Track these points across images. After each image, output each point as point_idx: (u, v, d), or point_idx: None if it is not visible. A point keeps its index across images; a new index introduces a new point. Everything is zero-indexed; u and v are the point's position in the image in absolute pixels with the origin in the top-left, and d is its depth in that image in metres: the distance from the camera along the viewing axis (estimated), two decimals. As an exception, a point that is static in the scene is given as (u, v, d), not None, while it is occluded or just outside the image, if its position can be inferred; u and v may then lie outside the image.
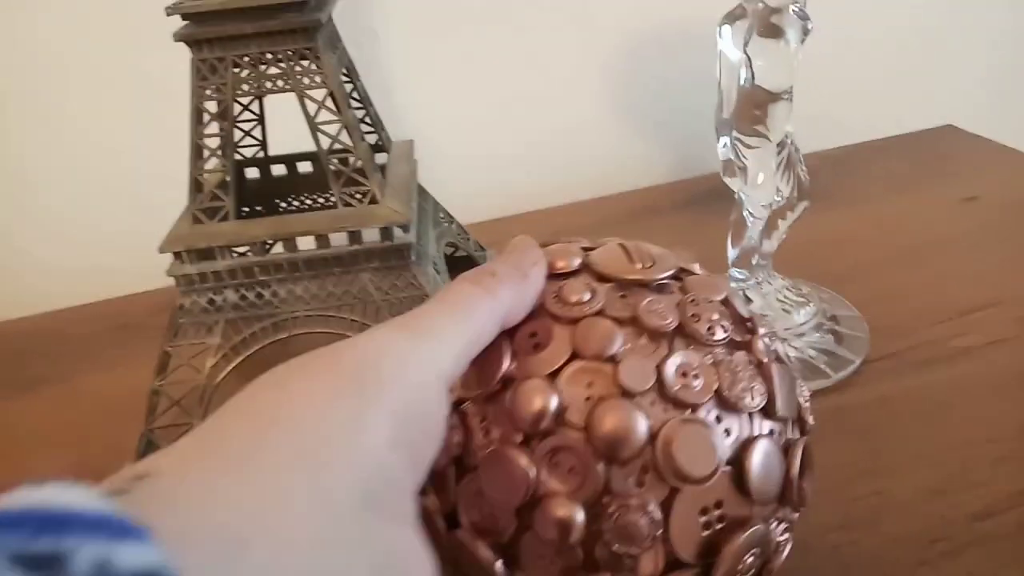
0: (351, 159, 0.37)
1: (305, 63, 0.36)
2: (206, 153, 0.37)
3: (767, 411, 0.23)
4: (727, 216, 0.44)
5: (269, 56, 0.35)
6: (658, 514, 0.21)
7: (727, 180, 0.42)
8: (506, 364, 0.22)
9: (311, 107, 0.36)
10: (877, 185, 0.63)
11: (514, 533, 0.22)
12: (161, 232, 0.37)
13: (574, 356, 0.22)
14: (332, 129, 0.37)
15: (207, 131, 0.37)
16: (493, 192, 0.63)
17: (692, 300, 0.23)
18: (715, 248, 0.46)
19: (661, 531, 0.21)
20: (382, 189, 0.38)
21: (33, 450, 0.42)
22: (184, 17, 0.34)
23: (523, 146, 0.65)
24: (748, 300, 0.44)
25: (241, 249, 0.38)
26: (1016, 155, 0.65)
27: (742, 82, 0.39)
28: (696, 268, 0.26)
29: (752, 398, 0.22)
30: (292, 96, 0.36)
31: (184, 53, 0.36)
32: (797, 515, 0.24)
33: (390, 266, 0.38)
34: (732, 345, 0.23)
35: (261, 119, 0.44)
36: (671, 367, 0.22)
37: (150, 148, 0.57)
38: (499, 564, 0.22)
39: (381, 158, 0.45)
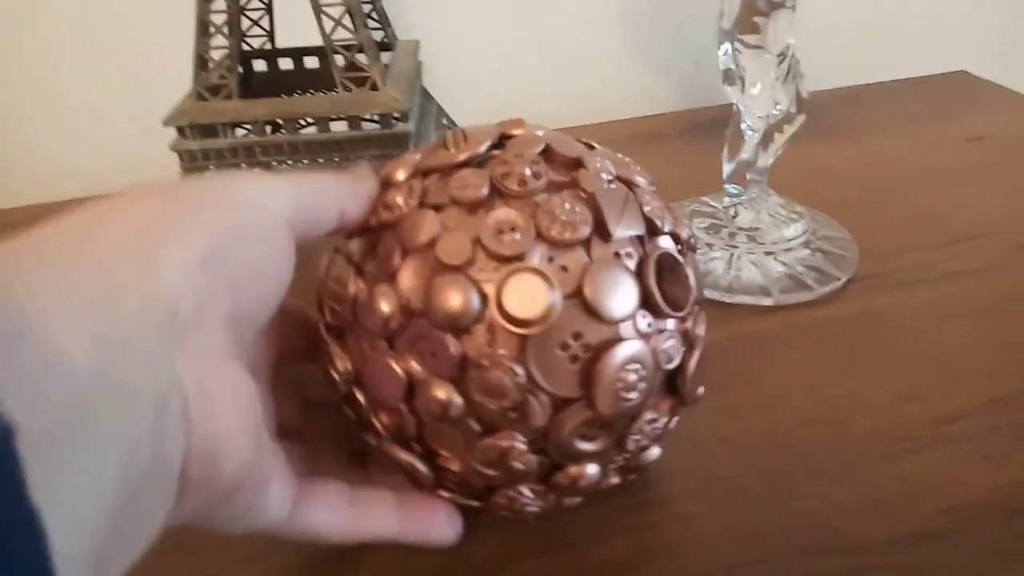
0: (352, 45, 0.38)
1: (311, -58, 0.36)
2: (212, 30, 0.38)
3: (601, 236, 0.24)
4: (726, 136, 0.45)
5: (276, -68, 0.36)
6: (518, 366, 0.22)
7: (726, 89, 0.42)
8: (352, 288, 0.24)
9: (316, -12, 0.37)
10: (884, 123, 0.62)
11: (416, 427, 0.24)
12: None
13: (405, 253, 0.23)
14: (336, 12, 0.37)
15: (214, 7, 0.37)
16: (498, 109, 0.63)
17: (503, 161, 0.24)
18: (713, 171, 0.46)
19: (525, 379, 0.22)
20: (383, 77, 0.39)
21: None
22: None
23: (532, 68, 0.65)
24: (733, 215, 0.45)
25: (244, 130, 0.39)
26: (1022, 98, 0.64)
27: (746, -12, 0.39)
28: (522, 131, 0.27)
29: (576, 230, 0.23)
30: None
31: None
32: (680, 321, 0.25)
33: (388, 154, 0.39)
34: (552, 188, 0.24)
35: (269, 9, 0.44)
36: (487, 231, 0.23)
37: (162, 54, 0.58)
38: (419, 464, 0.25)
39: (386, 57, 0.46)
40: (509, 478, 0.25)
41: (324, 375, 0.26)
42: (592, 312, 0.23)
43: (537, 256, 0.23)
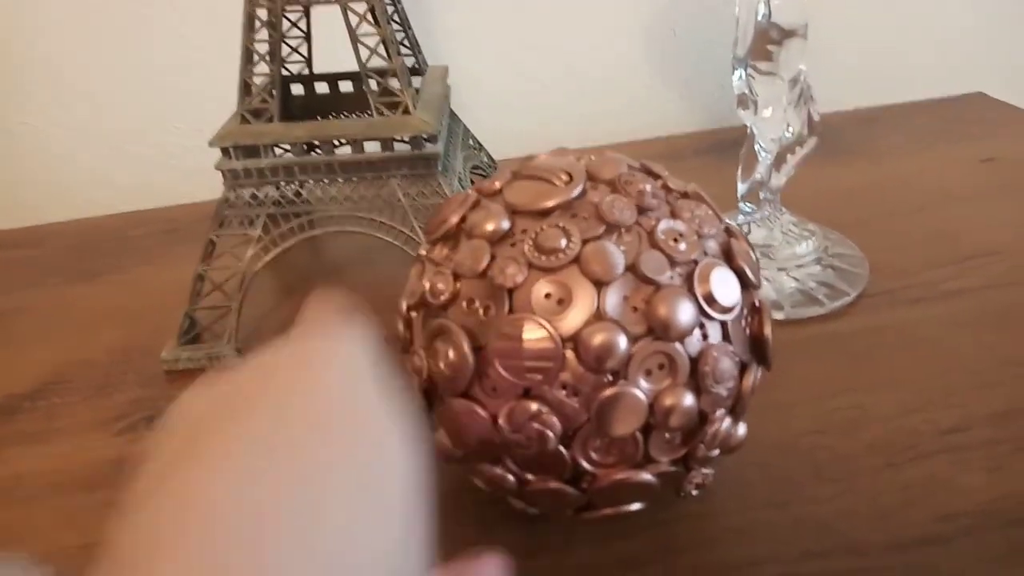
0: (386, 71, 0.40)
1: (350, -23, 0.39)
2: (255, 58, 0.40)
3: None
4: (741, 156, 0.46)
5: (317, -32, 0.38)
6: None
7: (740, 112, 0.44)
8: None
9: (353, 19, 0.39)
10: (900, 144, 0.64)
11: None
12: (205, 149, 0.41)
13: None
14: (371, 42, 0.40)
15: (257, 37, 0.40)
16: (523, 131, 0.66)
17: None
18: (729, 190, 0.48)
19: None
20: (414, 102, 0.41)
21: (89, 326, 0.47)
22: (242, -72, 0.38)
23: (556, 89, 0.67)
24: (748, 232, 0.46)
25: (283, 150, 0.42)
26: (1042, 122, 0.65)
27: (759, 17, 0.41)
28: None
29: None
30: (335, 20, 0.39)
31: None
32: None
33: (418, 174, 0.42)
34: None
35: (307, 36, 0.47)
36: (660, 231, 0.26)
37: (200, 79, 0.61)
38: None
39: (416, 81, 0.48)
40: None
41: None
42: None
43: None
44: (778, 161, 0.45)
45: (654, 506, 0.32)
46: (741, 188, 0.47)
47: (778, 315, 0.43)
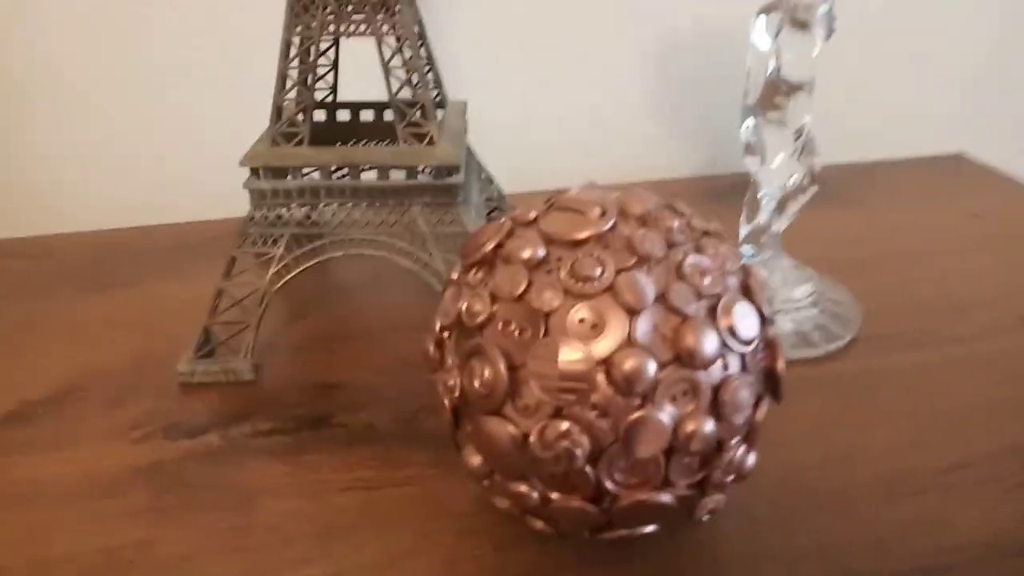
0: (414, 103, 0.42)
1: (385, 12, 0.41)
2: (289, 83, 0.42)
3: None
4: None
5: (356, 1, 0.40)
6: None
7: (746, 160, 0.46)
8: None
9: (386, 52, 0.41)
10: (893, 196, 0.67)
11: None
12: (220, 168, 0.42)
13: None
14: (401, 73, 0.42)
15: (292, 64, 0.42)
16: (530, 167, 0.68)
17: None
18: (730, 233, 0.50)
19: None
20: (439, 133, 0.43)
21: (104, 336, 0.47)
22: (287, -39, 0.40)
23: (563, 130, 0.70)
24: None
25: (309, 173, 0.43)
26: (1014, 183, 0.69)
27: (769, 72, 0.43)
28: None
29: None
30: (361, 52, 0.41)
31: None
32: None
33: (439, 202, 0.43)
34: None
35: (335, 66, 0.49)
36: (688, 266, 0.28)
37: (215, 96, 0.63)
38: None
39: (439, 114, 0.50)
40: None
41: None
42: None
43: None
44: (780, 207, 0.47)
45: (664, 531, 0.33)
46: (743, 231, 0.49)
47: (778, 354, 0.45)
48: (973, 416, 0.40)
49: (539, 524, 0.31)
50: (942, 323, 0.48)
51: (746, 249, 0.49)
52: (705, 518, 0.31)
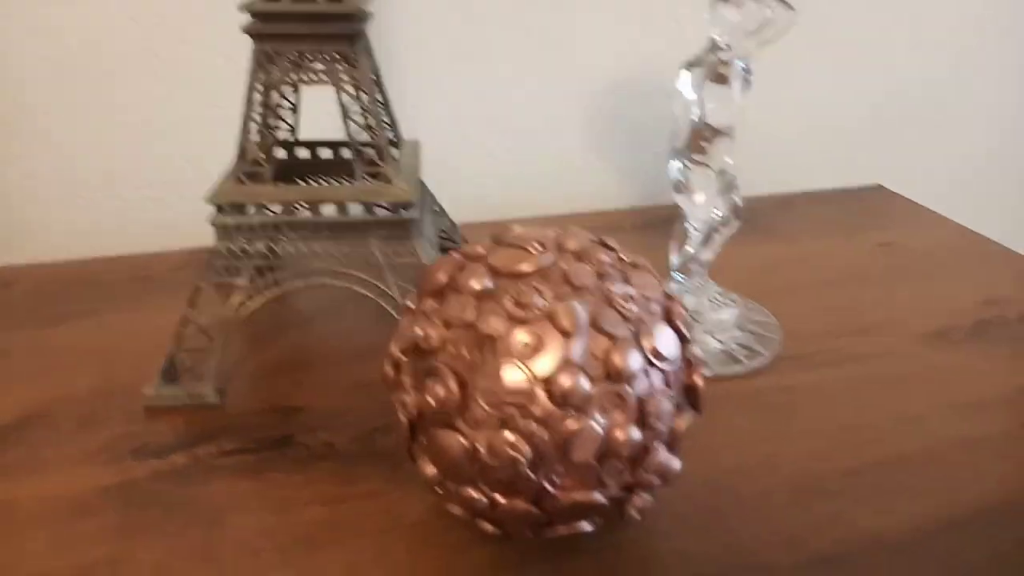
0: (372, 145, 0.46)
1: (344, 63, 0.44)
2: (253, 127, 0.45)
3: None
4: (675, 232, 0.53)
5: (316, 53, 0.44)
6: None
7: (675, 196, 0.51)
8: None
9: (345, 99, 0.45)
10: (811, 227, 0.73)
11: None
12: (178, 202, 0.44)
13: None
14: (359, 119, 0.45)
15: (255, 109, 0.45)
16: (482, 200, 0.72)
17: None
18: (663, 261, 0.55)
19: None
20: (395, 172, 0.46)
21: (69, 365, 0.49)
22: (253, 15, 0.43)
23: (511, 164, 0.74)
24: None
25: (273, 209, 0.46)
26: (930, 213, 0.75)
27: (694, 118, 0.48)
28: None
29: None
30: (318, 94, 0.44)
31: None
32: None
33: (395, 236, 0.47)
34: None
35: (295, 108, 0.52)
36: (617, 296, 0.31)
37: (174, 132, 0.65)
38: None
39: (394, 153, 0.54)
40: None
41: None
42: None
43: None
44: (706, 239, 0.52)
45: (601, 531, 0.37)
46: (674, 261, 0.54)
47: (705, 372, 0.49)
48: (870, 431, 0.45)
49: (488, 527, 0.35)
50: (849, 344, 0.53)
51: (676, 276, 0.54)
52: (636, 516, 0.34)
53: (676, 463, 0.35)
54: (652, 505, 0.38)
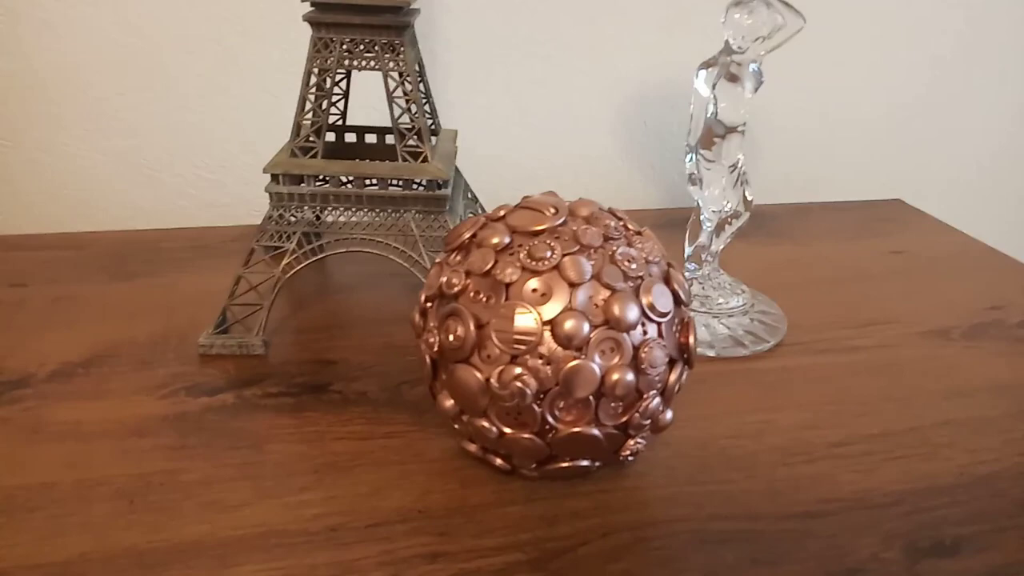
0: (412, 127, 0.51)
1: (392, 52, 0.49)
2: (308, 106, 0.50)
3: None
4: (693, 228, 0.57)
5: (367, 42, 0.49)
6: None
7: (689, 188, 0.55)
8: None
9: (390, 83, 0.50)
10: (825, 232, 0.76)
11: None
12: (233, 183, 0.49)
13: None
14: (402, 103, 0.50)
15: (311, 90, 0.50)
16: (512, 194, 0.76)
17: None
18: (680, 255, 0.59)
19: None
20: (432, 153, 0.51)
21: (132, 316, 0.55)
22: (313, 5, 0.48)
23: (541, 160, 0.79)
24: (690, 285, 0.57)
25: (322, 182, 0.51)
26: (945, 226, 0.78)
27: (708, 115, 0.52)
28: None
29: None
30: (364, 90, 0.49)
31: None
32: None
33: (429, 211, 0.51)
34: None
35: (346, 96, 0.57)
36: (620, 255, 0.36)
37: (231, 118, 0.71)
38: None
39: (433, 139, 0.58)
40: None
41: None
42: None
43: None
44: (718, 230, 0.56)
45: (598, 476, 0.41)
46: (688, 250, 0.57)
47: (710, 353, 0.53)
48: (861, 407, 0.48)
49: (498, 461, 0.39)
50: (849, 335, 0.56)
51: (688, 265, 0.58)
52: (630, 458, 0.38)
53: (668, 413, 0.38)
54: (646, 454, 0.42)
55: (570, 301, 0.34)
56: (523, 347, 0.34)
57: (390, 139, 0.59)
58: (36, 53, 0.66)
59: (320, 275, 0.62)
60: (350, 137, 0.60)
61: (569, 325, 0.34)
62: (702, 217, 0.56)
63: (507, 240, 0.36)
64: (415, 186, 0.51)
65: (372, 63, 0.50)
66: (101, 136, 0.70)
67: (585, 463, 0.38)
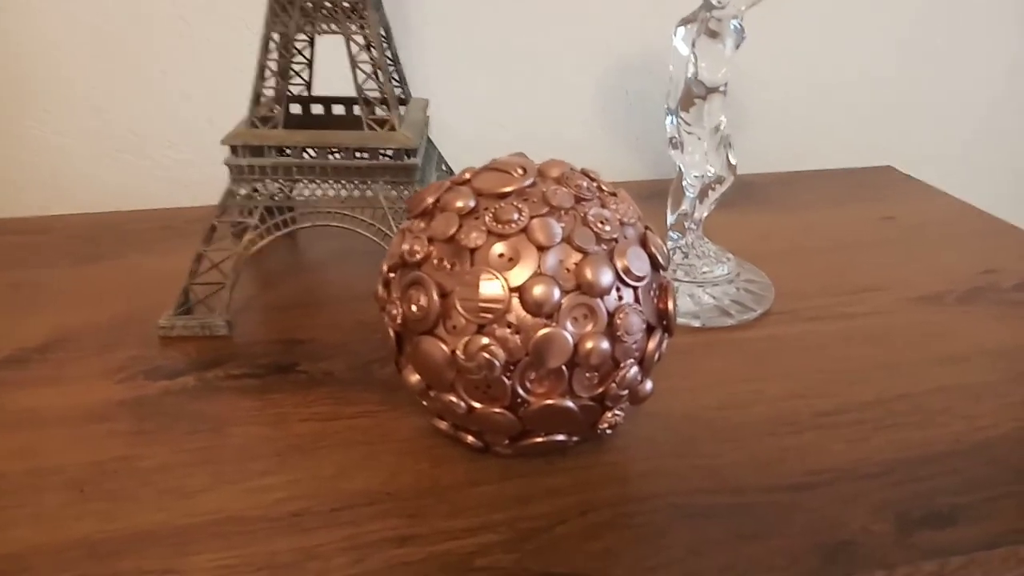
0: (378, 95, 0.48)
1: (354, 14, 0.47)
2: (267, 74, 0.48)
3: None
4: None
5: (328, 4, 0.46)
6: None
7: (670, 152, 0.52)
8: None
9: (354, 48, 0.47)
10: (814, 200, 0.74)
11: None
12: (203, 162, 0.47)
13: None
14: (367, 68, 0.48)
15: (270, 57, 0.47)
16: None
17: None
18: (664, 226, 0.57)
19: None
20: (400, 121, 0.49)
21: (94, 299, 0.53)
22: (268, -33, 0.46)
23: (520, 133, 0.76)
24: (684, 255, 0.55)
25: (284, 154, 0.49)
26: (937, 191, 0.76)
27: (688, 75, 0.50)
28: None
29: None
30: (334, 52, 0.47)
31: None
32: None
33: (398, 181, 0.49)
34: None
35: (310, 64, 0.55)
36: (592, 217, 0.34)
37: (199, 95, 0.69)
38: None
39: (402, 109, 0.56)
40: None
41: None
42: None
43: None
44: (701, 196, 0.53)
45: (577, 452, 0.39)
46: (670, 218, 0.55)
47: (695, 323, 0.51)
48: (851, 375, 0.46)
49: (469, 439, 0.37)
50: (839, 302, 0.54)
51: (671, 234, 0.56)
52: (608, 431, 0.36)
53: (648, 384, 0.36)
54: (628, 427, 0.40)
55: (539, 266, 0.32)
56: (490, 316, 0.32)
57: (359, 110, 0.56)
58: (-11, 30, 0.63)
59: (291, 252, 0.60)
60: (317, 109, 0.57)
61: (538, 291, 0.32)
62: (684, 183, 0.54)
63: (472, 204, 0.34)
64: (382, 156, 0.49)
65: (333, 27, 0.47)
66: (66, 118, 0.67)
67: (561, 438, 0.36)
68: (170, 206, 0.69)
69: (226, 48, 0.68)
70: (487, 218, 0.33)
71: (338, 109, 0.57)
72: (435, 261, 0.34)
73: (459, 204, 0.34)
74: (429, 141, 0.58)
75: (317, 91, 0.57)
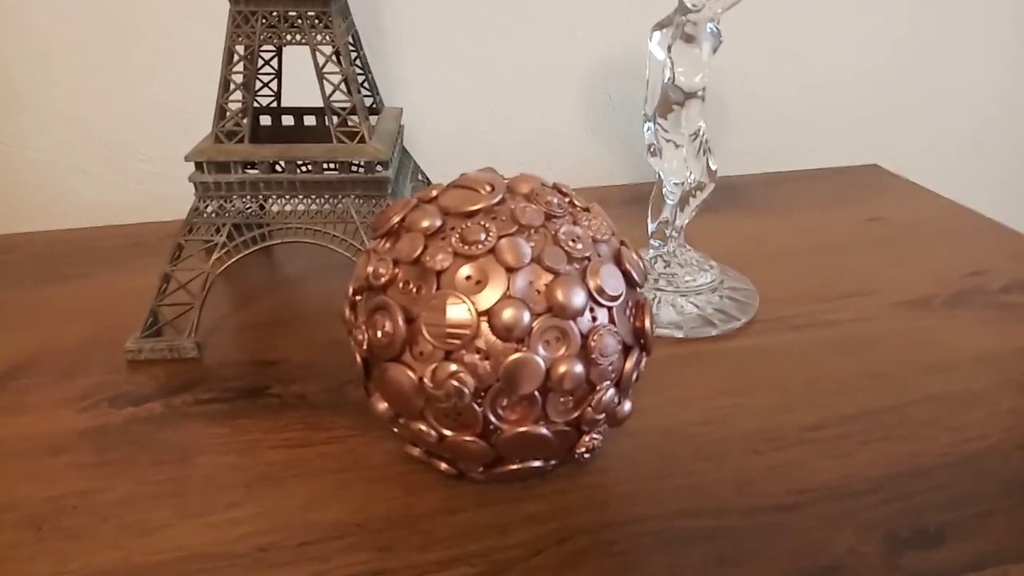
0: (347, 106, 0.47)
1: (319, 24, 0.45)
2: (232, 87, 0.46)
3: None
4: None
5: (292, 14, 0.45)
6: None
7: (649, 159, 0.51)
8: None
9: (320, 59, 0.46)
10: (798, 202, 0.72)
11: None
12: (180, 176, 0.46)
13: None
14: (335, 79, 0.46)
15: (235, 69, 0.46)
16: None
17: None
18: (646, 232, 0.55)
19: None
20: (370, 133, 0.47)
21: (58, 320, 0.51)
22: (230, -23, 0.44)
23: (500, 139, 0.75)
24: (666, 263, 0.54)
25: (251, 169, 0.47)
26: (924, 191, 0.75)
27: (665, 80, 0.49)
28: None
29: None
30: (303, 62, 0.45)
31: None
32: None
33: (370, 195, 0.48)
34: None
35: (278, 74, 0.53)
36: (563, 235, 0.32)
37: (176, 108, 0.67)
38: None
39: (374, 119, 0.55)
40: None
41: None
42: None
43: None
44: (682, 203, 0.52)
45: (555, 476, 0.38)
46: (651, 227, 0.54)
47: (677, 334, 0.50)
48: (837, 385, 0.45)
49: (443, 465, 0.35)
50: (825, 309, 0.53)
51: (653, 242, 0.54)
52: (586, 455, 0.35)
53: (626, 405, 0.35)
54: (608, 446, 0.39)
55: (508, 288, 0.31)
56: (457, 341, 0.31)
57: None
58: (-51, 43, 0.61)
59: (265, 268, 0.59)
60: (288, 120, 0.56)
61: (508, 315, 0.31)
62: (664, 191, 0.52)
63: (438, 223, 0.33)
64: (353, 169, 0.48)
65: (298, 37, 0.46)
66: (35, 131, 0.66)
67: (537, 464, 0.35)
68: (146, 221, 0.67)
69: (200, 57, 0.66)
70: (453, 239, 0.32)
71: (310, 120, 0.56)
72: (400, 284, 0.32)
73: (425, 224, 0.33)
74: (404, 151, 0.56)
75: (291, 101, 0.56)
